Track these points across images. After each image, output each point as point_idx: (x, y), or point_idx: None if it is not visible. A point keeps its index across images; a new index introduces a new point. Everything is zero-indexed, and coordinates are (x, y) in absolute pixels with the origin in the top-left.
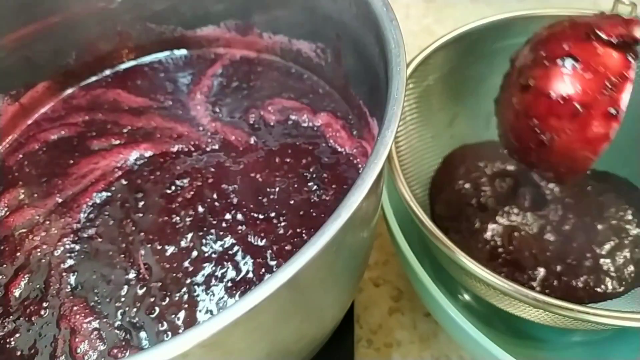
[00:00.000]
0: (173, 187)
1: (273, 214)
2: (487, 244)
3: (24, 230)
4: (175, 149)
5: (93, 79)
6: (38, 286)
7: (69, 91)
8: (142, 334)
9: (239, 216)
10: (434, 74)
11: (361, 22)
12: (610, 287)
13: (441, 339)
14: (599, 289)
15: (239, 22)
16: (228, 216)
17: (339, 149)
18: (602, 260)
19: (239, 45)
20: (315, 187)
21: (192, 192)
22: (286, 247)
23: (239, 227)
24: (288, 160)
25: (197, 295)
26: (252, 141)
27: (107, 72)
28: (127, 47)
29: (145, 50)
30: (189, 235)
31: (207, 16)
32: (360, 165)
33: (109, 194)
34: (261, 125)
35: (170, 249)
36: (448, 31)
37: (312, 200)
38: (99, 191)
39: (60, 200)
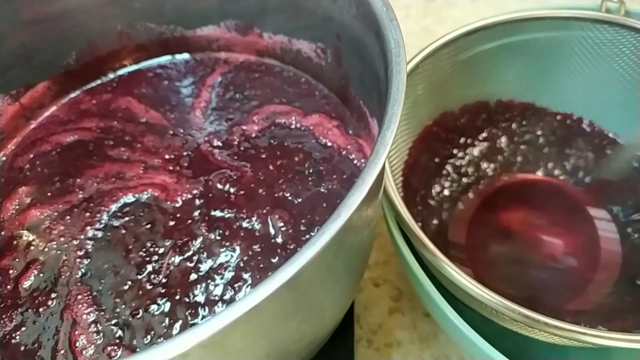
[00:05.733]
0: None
1: (287, 217)
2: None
3: (36, 227)
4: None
5: (97, 82)
6: (49, 277)
7: (73, 95)
8: (136, 333)
9: (256, 226)
10: (434, 74)
11: (361, 22)
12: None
13: (441, 339)
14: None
15: (239, 21)
16: (246, 224)
17: (329, 144)
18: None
19: (239, 47)
20: (318, 179)
21: (204, 224)
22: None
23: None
24: (279, 162)
25: (197, 297)
26: (242, 167)
27: (111, 75)
28: (128, 47)
29: (146, 52)
30: (196, 246)
31: (207, 16)
32: (355, 160)
33: (138, 198)
34: (247, 145)
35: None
36: (448, 31)
37: (321, 192)
38: (132, 193)
39: (85, 196)
